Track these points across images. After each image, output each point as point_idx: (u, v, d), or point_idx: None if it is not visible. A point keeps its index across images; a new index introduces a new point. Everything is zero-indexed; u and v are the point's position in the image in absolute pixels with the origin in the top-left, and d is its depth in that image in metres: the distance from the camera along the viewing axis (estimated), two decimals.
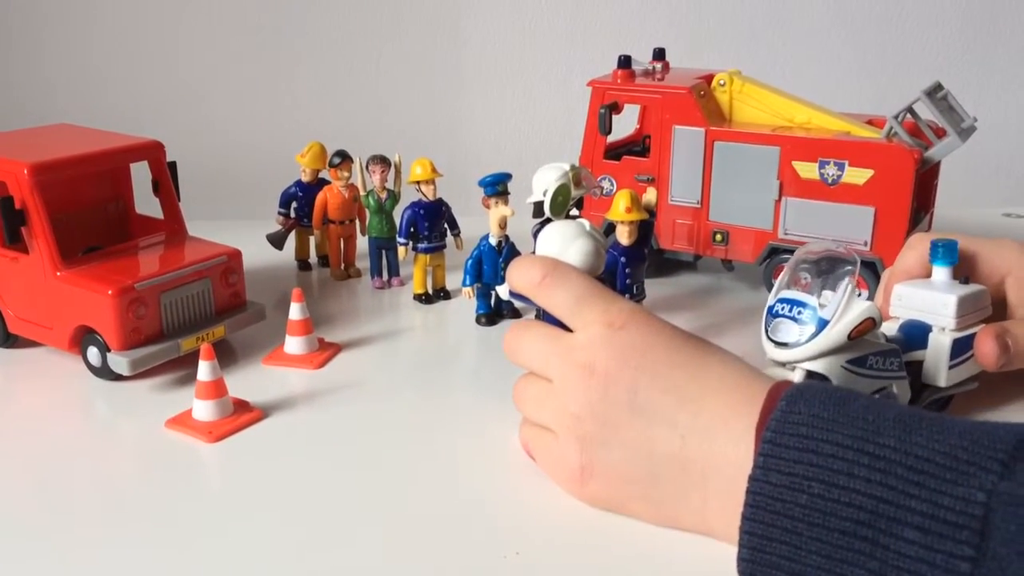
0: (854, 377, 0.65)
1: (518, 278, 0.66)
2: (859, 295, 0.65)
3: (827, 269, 0.66)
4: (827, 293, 0.66)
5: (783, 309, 0.66)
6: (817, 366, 0.64)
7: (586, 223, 0.72)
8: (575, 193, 0.89)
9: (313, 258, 1.15)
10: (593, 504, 0.61)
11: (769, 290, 1.02)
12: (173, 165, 0.94)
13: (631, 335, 0.58)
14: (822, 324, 0.64)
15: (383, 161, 1.04)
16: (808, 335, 0.64)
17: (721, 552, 0.57)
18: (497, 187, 0.94)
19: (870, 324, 0.64)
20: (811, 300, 0.65)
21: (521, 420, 0.68)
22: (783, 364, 0.66)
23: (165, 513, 0.63)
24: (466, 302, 0.97)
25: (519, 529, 0.61)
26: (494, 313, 0.98)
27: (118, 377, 0.82)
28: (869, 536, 0.45)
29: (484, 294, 0.97)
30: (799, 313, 0.65)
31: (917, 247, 0.74)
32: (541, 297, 0.64)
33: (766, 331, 0.66)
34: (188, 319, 0.86)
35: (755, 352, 0.67)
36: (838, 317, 0.63)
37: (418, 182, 1.01)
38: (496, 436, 0.74)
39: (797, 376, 0.66)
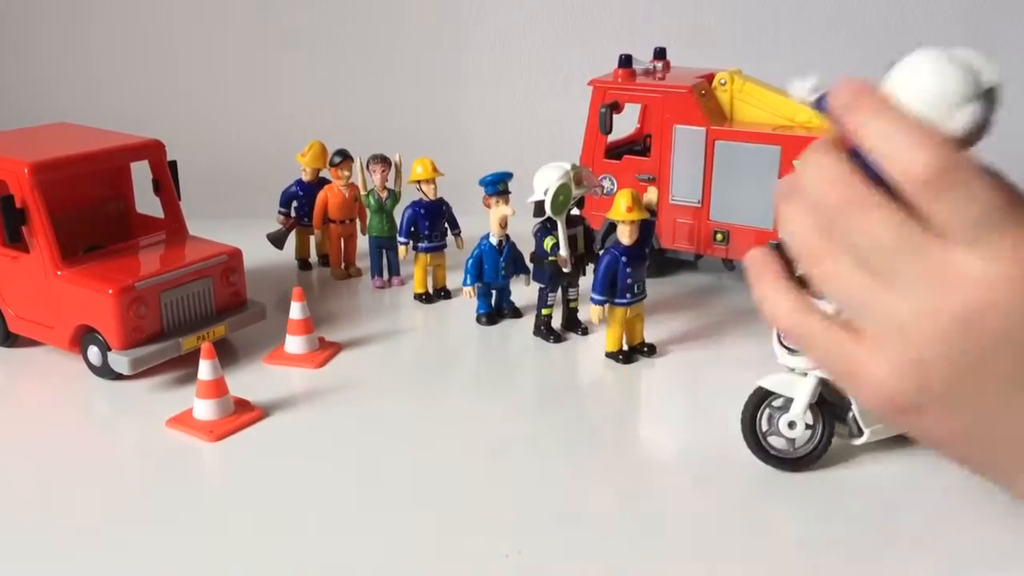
0: None
1: (896, 162, 0.43)
2: None
3: None
4: None
5: None
6: (806, 370, 0.63)
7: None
8: (576, 192, 0.89)
9: (314, 257, 1.15)
10: (909, 431, 0.45)
11: None
12: (173, 164, 0.94)
13: None
14: None
15: (384, 160, 1.04)
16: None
17: (724, 551, 0.57)
18: (498, 186, 0.94)
19: None
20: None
21: (776, 288, 0.47)
22: (794, 370, 0.65)
23: (166, 512, 0.63)
24: (467, 301, 0.97)
25: (521, 527, 0.61)
26: (495, 312, 0.98)
27: (119, 376, 0.82)
28: None
29: (485, 293, 0.97)
30: None
31: None
32: (929, 197, 0.43)
33: (778, 337, 0.65)
34: (189, 318, 0.85)
35: (755, 353, 0.67)
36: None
37: (419, 181, 1.01)
38: (497, 434, 0.74)
39: (810, 382, 0.65)
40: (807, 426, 0.68)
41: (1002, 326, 0.41)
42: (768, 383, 0.68)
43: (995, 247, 0.42)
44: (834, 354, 0.45)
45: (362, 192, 1.05)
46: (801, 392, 0.67)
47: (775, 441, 0.69)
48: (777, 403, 0.69)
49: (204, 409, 0.74)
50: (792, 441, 0.69)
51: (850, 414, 0.69)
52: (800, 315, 0.46)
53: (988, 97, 0.44)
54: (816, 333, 0.46)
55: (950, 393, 0.43)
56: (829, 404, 0.68)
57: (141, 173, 0.94)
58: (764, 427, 0.69)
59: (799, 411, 0.67)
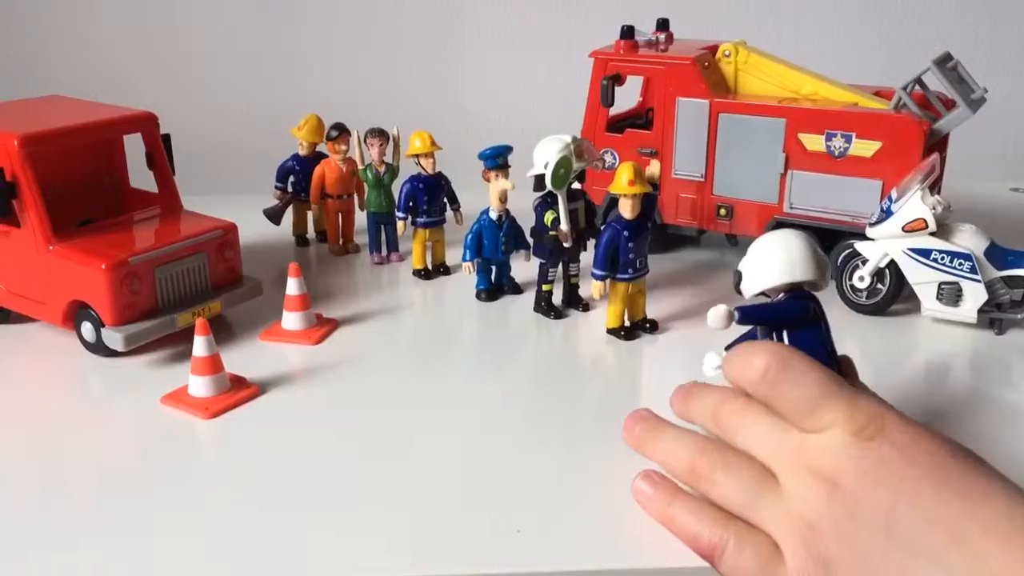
0: (915, 263, 0.86)
1: (737, 371, 0.55)
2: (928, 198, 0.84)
3: (924, 179, 0.86)
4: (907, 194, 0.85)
5: (887, 199, 0.88)
6: (882, 244, 0.87)
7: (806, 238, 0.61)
8: (577, 166, 0.88)
9: (311, 233, 1.14)
10: None
11: None
12: (167, 137, 0.93)
13: (885, 450, 0.48)
14: (888, 214, 0.86)
15: (381, 134, 1.02)
16: (876, 218, 0.88)
17: None
18: (498, 160, 0.92)
19: (922, 224, 0.84)
20: (895, 195, 0.86)
21: (685, 507, 0.55)
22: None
23: (161, 489, 0.62)
24: (466, 277, 0.95)
25: (520, 505, 0.60)
26: (494, 288, 0.97)
27: (113, 353, 0.81)
28: None
29: (484, 269, 0.96)
30: (887, 203, 0.87)
31: None
32: (764, 391, 0.53)
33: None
34: (184, 294, 0.84)
35: None
36: (898, 211, 0.85)
37: (417, 155, 1.00)
38: (497, 413, 0.73)
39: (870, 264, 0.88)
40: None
41: (856, 487, 0.48)
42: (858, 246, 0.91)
43: (826, 419, 0.50)
44: (762, 561, 0.51)
45: (359, 166, 1.03)
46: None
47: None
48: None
49: (199, 386, 0.73)
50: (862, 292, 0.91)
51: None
52: (729, 526, 0.52)
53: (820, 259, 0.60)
54: (743, 540, 0.52)
55: (846, 562, 0.48)
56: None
57: (135, 147, 0.93)
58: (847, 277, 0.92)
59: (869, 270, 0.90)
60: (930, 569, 0.45)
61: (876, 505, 0.47)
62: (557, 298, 0.93)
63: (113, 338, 0.79)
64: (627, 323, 0.87)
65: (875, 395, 0.53)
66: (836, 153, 0.94)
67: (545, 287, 0.92)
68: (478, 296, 0.96)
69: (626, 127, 1.07)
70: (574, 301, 0.93)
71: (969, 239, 0.86)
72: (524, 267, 0.96)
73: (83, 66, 1.89)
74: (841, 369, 0.60)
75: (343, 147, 1.05)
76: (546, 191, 0.88)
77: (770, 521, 0.51)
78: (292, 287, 0.86)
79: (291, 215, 1.12)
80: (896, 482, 0.47)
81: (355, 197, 1.09)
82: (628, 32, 1.05)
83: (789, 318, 0.59)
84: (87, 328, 0.81)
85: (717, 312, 0.59)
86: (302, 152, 1.10)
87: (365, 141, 1.02)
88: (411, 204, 1.01)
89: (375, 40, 1.91)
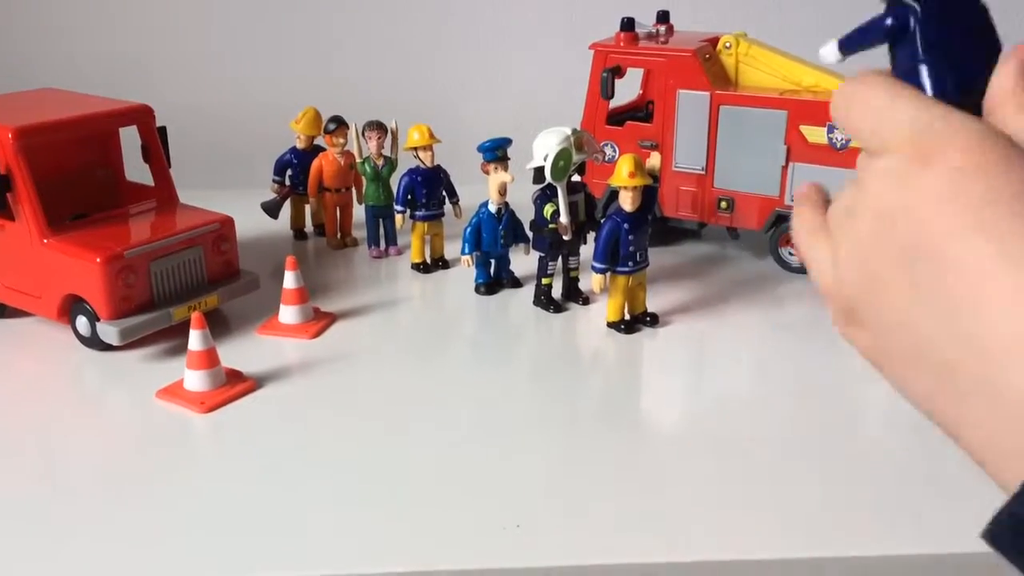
0: None
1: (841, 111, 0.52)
2: None
3: None
4: None
5: None
6: None
7: None
8: (577, 158, 0.87)
9: (309, 227, 1.13)
10: (861, 355, 0.43)
11: (775, 259, 1.00)
12: (163, 130, 0.92)
13: (936, 181, 0.39)
14: None
15: (380, 127, 1.02)
16: None
17: (724, 522, 0.56)
18: (497, 152, 0.91)
19: None
20: None
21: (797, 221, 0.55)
22: None
23: (157, 483, 0.62)
24: (465, 271, 0.95)
25: (520, 500, 0.59)
26: (493, 282, 0.96)
27: (108, 347, 0.80)
28: None
29: (483, 262, 0.95)
30: None
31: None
32: (838, 113, 0.50)
33: None
34: (179, 288, 0.84)
35: (758, 323, 0.65)
36: None
37: (416, 148, 0.99)
38: (496, 407, 0.73)
39: None
40: None
41: (882, 210, 0.38)
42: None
43: (891, 130, 0.40)
44: (814, 262, 0.42)
45: (358, 160, 1.03)
46: None
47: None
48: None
49: (195, 380, 0.73)
50: None
51: None
52: (811, 219, 0.42)
53: None
54: (808, 238, 0.41)
55: (864, 285, 0.39)
56: None
57: (131, 140, 0.92)
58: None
59: None
60: (939, 321, 0.38)
61: (897, 239, 0.41)
62: (557, 291, 0.92)
63: (108, 332, 0.78)
64: (627, 316, 0.87)
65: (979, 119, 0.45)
66: (838, 145, 0.93)
67: (545, 280, 0.91)
68: (477, 290, 0.95)
69: (626, 119, 1.06)
70: (574, 294, 0.93)
71: None
72: (523, 260, 0.95)
73: (78, 59, 1.88)
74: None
75: (341, 140, 1.04)
76: (546, 183, 0.87)
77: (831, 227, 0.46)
78: (289, 281, 0.85)
79: (289, 208, 1.11)
80: (923, 227, 0.41)
81: (353, 190, 1.08)
82: (628, 24, 1.04)
83: (882, 24, 0.51)
84: (82, 322, 0.81)
85: (828, 47, 0.55)
86: (300, 145, 1.09)
87: (363, 134, 1.02)
88: (409, 197, 1.00)
89: (373, 32, 1.90)
